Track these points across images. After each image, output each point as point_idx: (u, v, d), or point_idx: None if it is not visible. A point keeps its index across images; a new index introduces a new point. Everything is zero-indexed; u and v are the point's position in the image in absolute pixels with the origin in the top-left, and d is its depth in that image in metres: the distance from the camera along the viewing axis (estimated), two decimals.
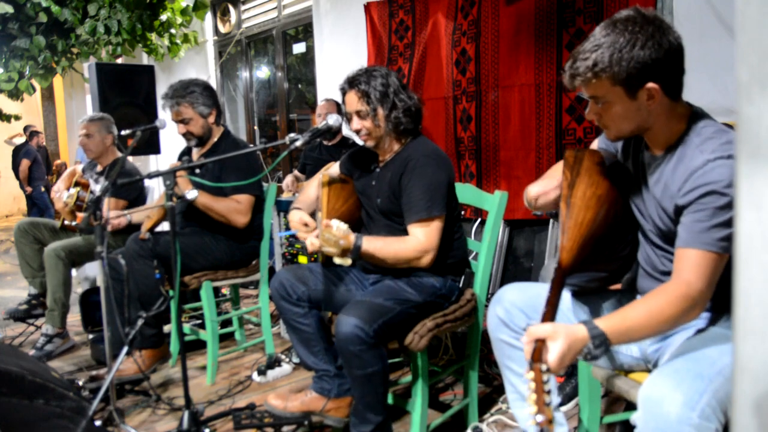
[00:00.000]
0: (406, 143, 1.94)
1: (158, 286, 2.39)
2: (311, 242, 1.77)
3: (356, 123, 1.89)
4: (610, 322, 1.17)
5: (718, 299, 1.30)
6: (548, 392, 0.99)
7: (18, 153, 8.77)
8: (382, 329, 1.69)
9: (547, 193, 1.51)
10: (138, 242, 2.46)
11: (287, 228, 2.95)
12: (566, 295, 1.54)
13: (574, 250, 1.32)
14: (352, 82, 1.88)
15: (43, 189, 8.71)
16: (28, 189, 8.70)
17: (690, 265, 1.19)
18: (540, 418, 0.94)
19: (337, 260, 1.69)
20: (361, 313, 1.67)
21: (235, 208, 2.53)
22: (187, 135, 2.63)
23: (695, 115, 1.29)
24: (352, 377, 1.77)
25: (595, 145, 1.60)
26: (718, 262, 1.18)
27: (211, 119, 2.64)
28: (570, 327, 1.15)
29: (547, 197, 1.51)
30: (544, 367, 1.05)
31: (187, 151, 2.81)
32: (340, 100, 1.95)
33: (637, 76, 1.20)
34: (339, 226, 1.67)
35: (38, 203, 8.70)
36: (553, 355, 1.10)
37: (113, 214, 2.88)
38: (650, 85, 1.21)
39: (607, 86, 1.23)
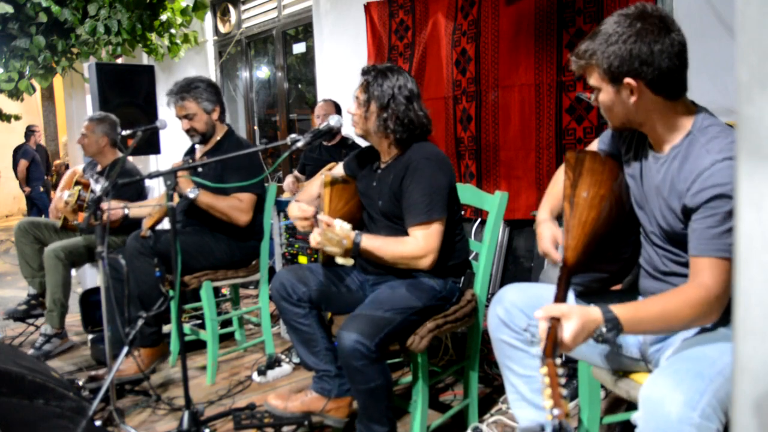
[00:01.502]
0: (406, 146, 1.93)
1: (158, 284, 2.39)
2: (314, 237, 1.77)
3: (352, 107, 1.93)
4: (625, 309, 1.18)
5: None
6: (563, 386, 0.99)
7: (17, 153, 8.77)
8: (384, 341, 1.69)
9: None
10: (139, 240, 2.46)
11: (286, 218, 2.95)
12: (569, 296, 1.53)
13: (578, 248, 1.32)
14: (366, 71, 1.93)
15: (41, 189, 8.69)
16: (27, 189, 8.70)
17: (706, 272, 1.19)
18: (557, 411, 0.94)
19: (340, 260, 1.69)
20: (362, 328, 1.66)
21: (236, 206, 2.53)
22: (190, 131, 2.63)
23: (700, 114, 1.29)
24: (356, 391, 1.76)
25: (594, 146, 1.60)
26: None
27: (215, 115, 2.65)
28: (584, 308, 1.17)
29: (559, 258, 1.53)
30: (558, 361, 1.05)
31: (190, 151, 2.81)
32: (352, 95, 1.97)
33: (617, 69, 1.23)
34: (342, 226, 1.67)
35: (38, 203, 8.69)
36: (567, 332, 1.12)
37: (112, 205, 2.88)
38: (629, 80, 1.23)
39: (595, 74, 1.28)
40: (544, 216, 1.63)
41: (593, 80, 1.29)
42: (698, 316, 1.19)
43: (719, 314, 1.22)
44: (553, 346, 1.09)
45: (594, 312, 1.17)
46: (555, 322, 1.13)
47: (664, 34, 1.21)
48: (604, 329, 1.16)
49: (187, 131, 2.64)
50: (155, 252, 2.42)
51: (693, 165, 1.23)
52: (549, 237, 1.55)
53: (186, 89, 2.59)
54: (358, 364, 1.65)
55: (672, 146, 1.30)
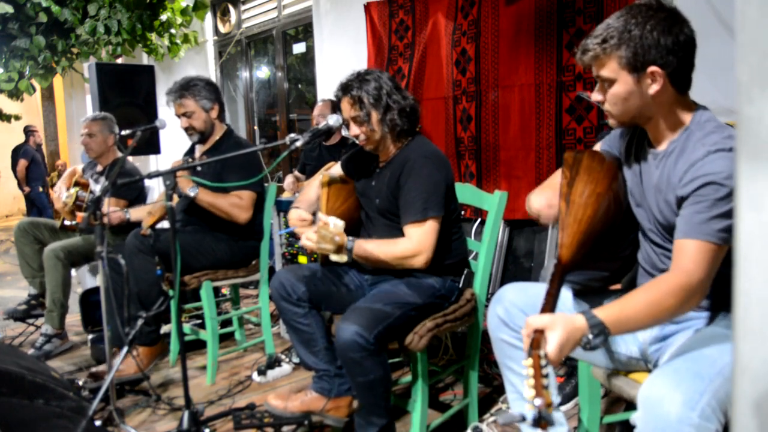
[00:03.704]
0: (405, 144, 1.93)
1: (158, 282, 2.39)
2: (307, 237, 1.76)
3: (353, 129, 1.90)
4: (609, 311, 1.17)
5: (717, 298, 1.30)
6: (546, 376, 0.98)
7: (17, 153, 8.79)
8: (383, 335, 1.69)
9: (550, 207, 1.50)
10: (138, 238, 2.46)
11: (287, 225, 2.95)
12: (568, 294, 1.53)
13: (573, 246, 1.32)
14: (345, 89, 1.88)
15: (41, 189, 8.70)
16: (26, 189, 8.70)
17: (689, 255, 1.19)
18: (538, 401, 0.93)
19: (334, 257, 1.69)
20: (361, 320, 1.66)
21: (236, 204, 2.54)
22: (189, 129, 2.64)
23: (698, 111, 1.30)
24: (354, 384, 1.76)
25: (597, 148, 1.60)
26: (718, 253, 1.18)
27: (214, 114, 2.66)
28: (568, 317, 1.15)
29: (550, 212, 1.50)
30: (542, 352, 1.04)
31: (190, 151, 2.82)
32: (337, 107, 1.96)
33: (642, 57, 1.22)
34: (336, 223, 1.67)
35: (36, 203, 8.70)
36: (552, 345, 1.09)
37: (112, 209, 2.89)
38: (654, 68, 1.22)
39: (613, 64, 1.25)
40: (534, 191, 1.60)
41: (608, 71, 1.26)
42: (682, 303, 1.17)
43: (702, 298, 1.20)
44: (537, 345, 1.07)
45: (578, 320, 1.14)
46: (538, 335, 1.10)
47: (684, 26, 1.23)
48: (590, 336, 1.13)
49: (186, 129, 2.64)
50: (155, 250, 2.42)
51: (687, 158, 1.24)
52: (539, 197, 1.52)
53: (185, 87, 2.60)
54: (357, 356, 1.65)
55: (670, 142, 1.31)
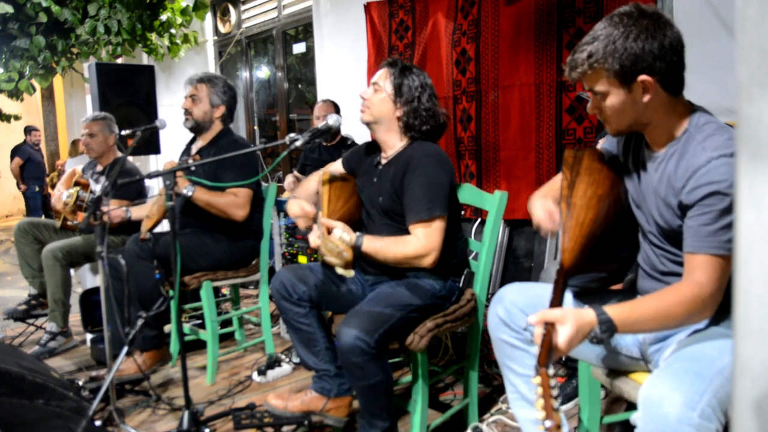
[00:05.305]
0: (408, 143, 1.93)
1: (158, 286, 2.39)
2: (313, 239, 1.77)
3: (367, 92, 1.95)
4: (619, 310, 1.19)
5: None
6: (556, 397, 0.99)
7: (16, 152, 8.80)
8: (384, 338, 1.69)
9: (552, 221, 1.45)
10: (138, 243, 2.46)
11: (287, 217, 2.95)
12: (567, 296, 1.53)
13: (576, 250, 1.32)
14: (393, 63, 1.94)
15: (36, 189, 8.68)
16: (23, 187, 8.69)
17: (700, 269, 1.20)
18: (549, 423, 0.95)
19: (340, 271, 1.69)
20: (362, 324, 1.66)
21: (233, 201, 2.53)
22: (187, 113, 2.67)
23: (696, 112, 1.29)
24: (356, 388, 1.76)
25: (599, 147, 1.59)
26: (728, 264, 1.19)
27: (217, 113, 2.67)
28: (579, 311, 1.17)
29: (549, 226, 1.46)
30: (551, 371, 1.05)
31: (186, 151, 2.82)
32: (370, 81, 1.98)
33: (630, 68, 1.21)
34: (342, 236, 1.66)
35: (30, 202, 8.68)
36: (562, 337, 1.12)
37: (112, 205, 2.89)
38: (644, 77, 1.22)
39: (602, 78, 1.25)
40: (536, 195, 1.57)
41: (600, 86, 1.26)
42: (692, 314, 1.19)
43: (713, 311, 1.22)
44: (547, 353, 1.09)
45: (588, 314, 1.17)
46: (550, 328, 1.13)
47: (668, 29, 1.22)
48: (598, 331, 1.16)
49: (185, 111, 2.67)
50: (155, 255, 2.42)
51: (689, 162, 1.24)
52: (541, 209, 1.48)
53: (207, 77, 2.68)
54: (359, 360, 1.65)
55: (669, 145, 1.31)
